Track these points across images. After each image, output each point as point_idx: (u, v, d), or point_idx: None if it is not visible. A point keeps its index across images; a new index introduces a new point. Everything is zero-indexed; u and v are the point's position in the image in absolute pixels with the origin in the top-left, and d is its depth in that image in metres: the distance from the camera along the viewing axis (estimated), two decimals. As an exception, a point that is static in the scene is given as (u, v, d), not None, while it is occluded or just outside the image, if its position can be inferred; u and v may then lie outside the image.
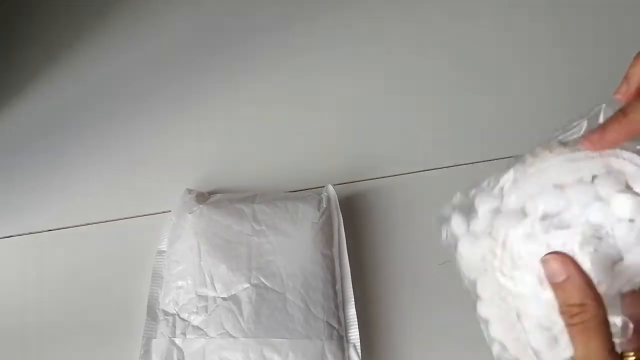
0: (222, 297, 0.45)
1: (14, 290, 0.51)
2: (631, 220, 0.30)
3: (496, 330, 0.33)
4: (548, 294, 0.30)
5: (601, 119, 0.32)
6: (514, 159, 0.33)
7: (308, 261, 0.47)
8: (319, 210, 0.49)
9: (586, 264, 0.29)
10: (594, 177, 0.31)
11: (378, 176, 0.55)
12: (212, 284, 0.46)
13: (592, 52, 0.61)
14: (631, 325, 0.29)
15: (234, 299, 0.45)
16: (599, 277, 0.29)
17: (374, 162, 0.56)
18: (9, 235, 0.53)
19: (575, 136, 0.33)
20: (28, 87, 0.61)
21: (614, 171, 0.31)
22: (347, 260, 0.48)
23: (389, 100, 0.60)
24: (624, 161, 0.30)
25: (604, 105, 0.33)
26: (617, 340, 0.28)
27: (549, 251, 0.30)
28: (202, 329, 0.44)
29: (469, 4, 0.65)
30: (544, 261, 0.29)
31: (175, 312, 0.46)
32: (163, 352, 0.44)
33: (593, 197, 0.30)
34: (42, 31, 0.65)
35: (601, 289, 0.29)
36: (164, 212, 0.53)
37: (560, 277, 0.29)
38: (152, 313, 0.47)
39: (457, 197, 0.34)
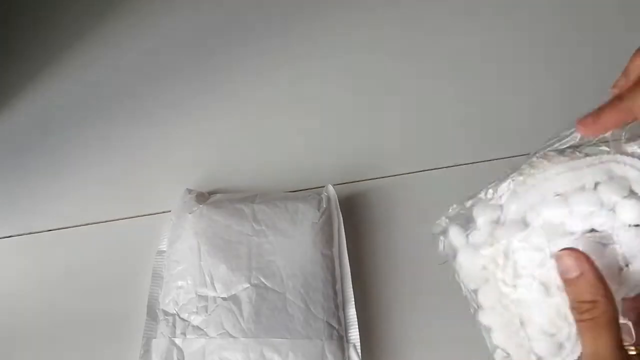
0: (222, 297, 0.45)
1: (14, 290, 0.51)
2: (637, 226, 0.29)
3: (499, 338, 0.33)
4: (552, 301, 0.30)
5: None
6: (510, 169, 0.33)
7: (308, 261, 0.47)
8: (319, 210, 0.49)
9: None
10: (596, 184, 0.31)
11: (378, 176, 0.55)
12: (212, 284, 0.46)
13: (592, 52, 0.61)
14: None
15: (234, 299, 0.45)
16: None
17: (374, 162, 0.56)
18: (9, 235, 0.53)
19: (571, 144, 0.33)
20: (28, 87, 0.61)
21: (617, 177, 0.31)
22: (347, 260, 0.48)
23: (389, 100, 0.60)
24: (625, 166, 0.30)
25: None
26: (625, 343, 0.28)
27: (553, 260, 0.30)
28: (202, 329, 0.44)
29: (469, 5, 0.65)
30: (557, 257, 0.29)
31: (175, 312, 0.46)
32: (163, 352, 0.44)
33: (597, 204, 0.30)
34: (43, 31, 0.65)
35: None
36: (164, 212, 0.53)
37: (574, 273, 0.29)
38: (152, 313, 0.47)
39: (453, 208, 0.34)
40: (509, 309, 0.31)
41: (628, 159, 0.31)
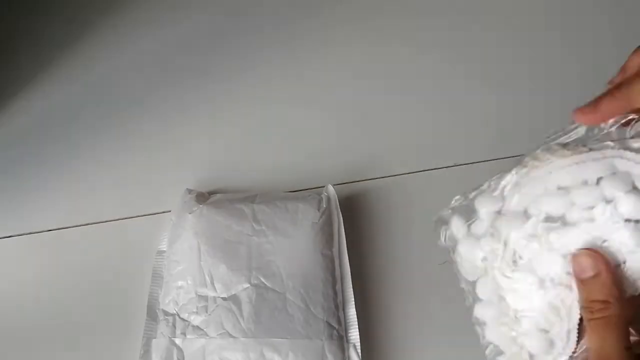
0: (222, 297, 0.45)
1: (14, 290, 0.51)
2: (637, 222, 0.29)
3: (492, 333, 0.33)
4: (546, 295, 0.30)
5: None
6: (516, 160, 0.33)
7: (308, 261, 0.47)
8: (319, 210, 0.49)
9: None
10: (599, 179, 0.30)
11: (378, 176, 0.55)
12: (212, 284, 0.46)
13: (593, 52, 0.61)
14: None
15: (234, 299, 0.45)
16: None
17: (374, 162, 0.56)
18: (9, 235, 0.53)
19: (575, 138, 0.33)
20: (28, 87, 0.61)
21: (620, 172, 0.30)
22: (347, 260, 0.48)
23: (389, 100, 0.60)
24: (629, 162, 0.30)
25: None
26: None
27: (551, 253, 0.30)
28: (202, 329, 0.44)
29: (470, 4, 0.65)
30: (574, 256, 0.29)
31: (175, 312, 0.46)
32: (163, 352, 0.44)
33: (599, 199, 0.30)
34: (43, 31, 0.65)
35: None
36: (164, 212, 0.53)
37: (589, 274, 0.29)
38: (152, 313, 0.47)
39: (456, 200, 0.35)
40: (505, 302, 0.31)
41: (632, 155, 0.30)
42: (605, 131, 0.32)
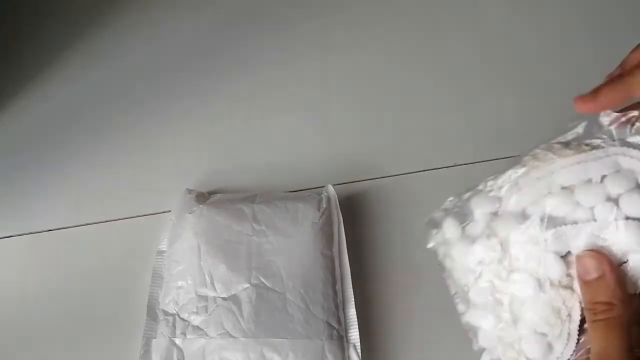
0: (222, 297, 0.45)
1: (14, 290, 0.51)
2: (639, 219, 0.29)
3: (486, 339, 0.32)
4: (545, 297, 0.30)
5: (601, 119, 0.32)
6: (512, 160, 0.33)
7: (308, 261, 0.47)
8: (319, 210, 0.49)
9: None
10: (603, 178, 0.30)
11: (378, 176, 0.55)
12: (212, 284, 0.46)
13: (592, 52, 0.61)
14: None
15: (234, 299, 0.45)
16: None
17: (374, 162, 0.56)
18: (9, 235, 0.53)
19: (574, 136, 0.33)
20: (28, 87, 0.61)
21: (623, 170, 0.30)
22: (347, 260, 0.48)
23: (389, 100, 0.60)
24: (632, 159, 0.30)
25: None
26: None
27: (552, 254, 0.30)
28: (202, 329, 0.44)
29: (468, 6, 0.65)
30: (578, 257, 0.29)
31: (175, 312, 0.46)
32: (163, 352, 0.44)
33: (602, 198, 0.30)
34: (44, 33, 0.65)
35: None
36: (164, 212, 0.53)
37: (593, 275, 0.29)
38: (152, 313, 0.47)
39: (450, 201, 0.34)
40: (501, 306, 0.31)
41: (635, 152, 0.30)
42: (605, 128, 0.32)
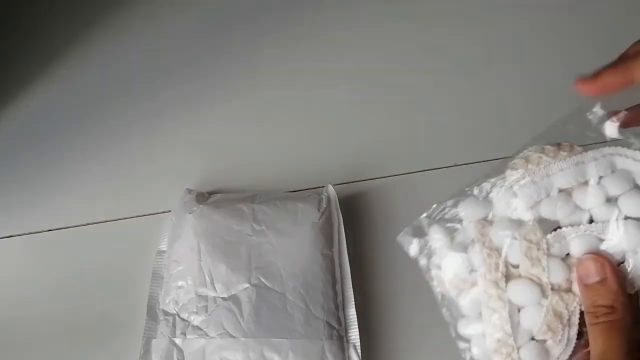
0: (222, 297, 0.45)
1: (14, 290, 0.51)
2: (637, 219, 0.29)
3: (480, 350, 0.31)
4: (548, 303, 0.29)
5: (592, 114, 0.32)
6: (497, 164, 0.32)
7: (308, 261, 0.47)
8: (319, 210, 0.49)
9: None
10: (600, 178, 0.30)
11: (378, 176, 0.55)
12: (212, 284, 0.46)
13: (592, 52, 0.60)
14: None
15: (234, 299, 0.45)
16: None
17: (374, 162, 0.56)
18: (9, 235, 0.53)
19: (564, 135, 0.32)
20: (28, 87, 0.61)
21: (619, 170, 0.30)
22: (347, 260, 0.48)
23: (389, 100, 0.60)
24: (627, 159, 0.30)
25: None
26: None
27: (551, 258, 0.30)
28: (202, 329, 0.44)
29: (467, 6, 0.65)
30: (579, 260, 0.29)
31: (175, 312, 0.46)
32: (163, 352, 0.44)
33: (600, 199, 0.30)
34: (43, 31, 0.65)
35: None
36: (164, 212, 0.53)
37: (595, 279, 0.28)
38: (152, 313, 0.47)
39: (433, 209, 0.33)
40: (497, 315, 0.30)
41: (630, 151, 0.30)
42: (594, 124, 0.32)
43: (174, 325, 0.45)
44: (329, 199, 0.51)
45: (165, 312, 0.46)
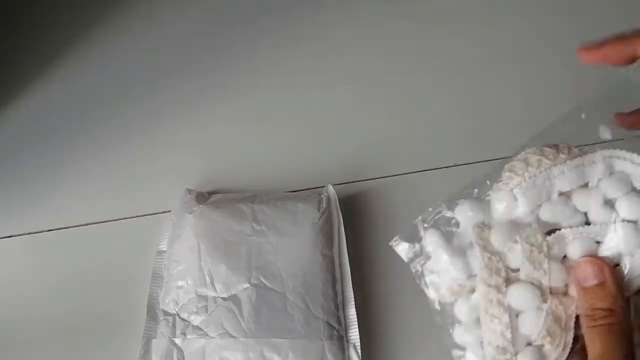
0: (222, 297, 0.45)
1: (13, 290, 0.51)
2: (636, 222, 0.29)
3: (478, 359, 0.31)
4: (548, 307, 0.29)
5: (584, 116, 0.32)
6: (500, 163, 0.32)
7: (308, 261, 0.47)
8: (319, 210, 0.49)
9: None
10: (598, 181, 0.30)
11: (378, 176, 0.55)
12: (212, 284, 0.46)
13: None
14: None
15: (234, 299, 0.45)
16: None
17: (374, 162, 0.56)
18: (9, 235, 0.53)
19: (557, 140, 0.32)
20: (28, 86, 0.61)
21: (618, 172, 0.30)
22: (347, 260, 0.48)
23: (389, 100, 0.60)
24: (625, 162, 0.30)
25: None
26: None
27: (552, 261, 0.29)
28: (202, 329, 0.44)
29: (467, 6, 0.65)
30: (578, 263, 0.29)
31: (175, 312, 0.46)
32: (163, 352, 0.44)
33: (598, 201, 0.30)
34: (42, 30, 0.65)
35: None
36: (164, 212, 0.53)
37: (593, 282, 0.28)
38: (152, 313, 0.47)
39: (428, 212, 0.32)
40: (497, 321, 0.29)
41: (628, 154, 0.30)
42: (590, 126, 0.32)
43: (174, 325, 0.45)
44: (329, 199, 0.51)
45: (165, 312, 0.46)
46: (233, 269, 0.46)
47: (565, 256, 0.30)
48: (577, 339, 0.29)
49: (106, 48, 0.64)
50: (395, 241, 0.33)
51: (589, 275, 0.29)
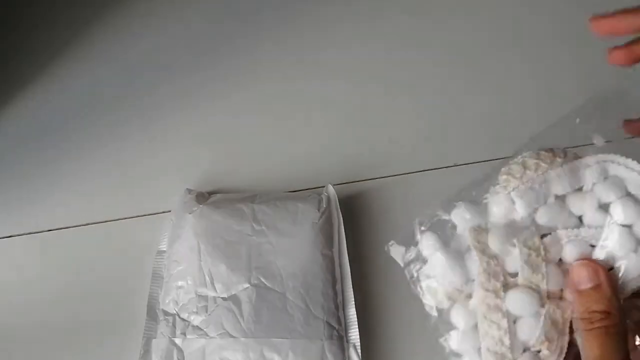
0: (222, 297, 0.45)
1: (14, 290, 0.51)
2: (630, 226, 0.29)
3: None
4: (545, 311, 0.29)
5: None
6: (500, 163, 0.32)
7: (308, 261, 0.47)
8: (319, 210, 0.49)
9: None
10: (593, 185, 0.30)
11: (378, 176, 0.55)
12: (212, 284, 0.46)
13: (591, 52, 0.61)
14: None
15: (234, 299, 0.45)
16: None
17: (374, 162, 0.56)
18: (9, 235, 0.53)
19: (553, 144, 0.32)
20: (28, 86, 0.61)
21: (612, 177, 0.30)
22: (347, 260, 0.48)
23: (389, 100, 0.60)
24: (619, 166, 0.30)
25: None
26: None
27: (549, 265, 0.29)
28: (202, 329, 0.44)
29: (471, 6, 0.65)
30: (573, 266, 0.29)
31: (175, 312, 0.46)
32: (163, 352, 0.44)
33: (593, 205, 0.30)
34: (42, 30, 0.65)
35: None
36: (164, 212, 0.53)
37: (588, 284, 0.28)
38: (152, 313, 0.47)
39: (424, 215, 0.32)
40: (497, 326, 0.29)
41: (622, 159, 0.30)
42: (585, 129, 0.32)
43: (174, 325, 0.45)
44: (329, 199, 0.51)
45: (165, 312, 0.46)
46: (233, 269, 0.46)
47: (560, 259, 0.30)
48: (571, 342, 0.29)
49: (106, 47, 0.64)
50: (390, 245, 0.32)
51: (584, 278, 0.29)
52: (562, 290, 0.30)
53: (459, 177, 0.54)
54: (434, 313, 0.31)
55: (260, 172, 0.56)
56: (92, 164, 0.57)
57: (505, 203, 0.31)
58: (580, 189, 0.31)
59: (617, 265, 0.29)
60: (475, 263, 0.30)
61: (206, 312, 0.45)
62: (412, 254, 0.32)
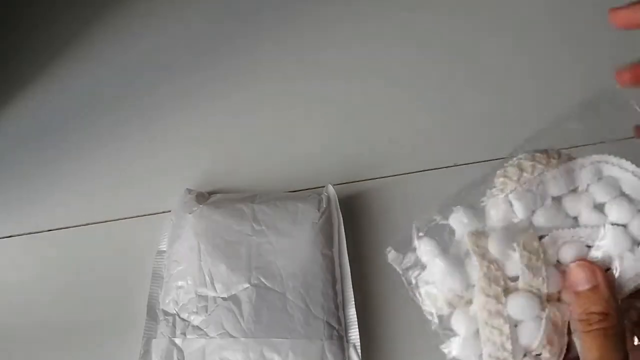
0: (222, 297, 0.45)
1: (13, 290, 0.51)
2: (624, 226, 0.29)
3: None
4: (546, 314, 0.29)
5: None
6: (500, 163, 0.32)
7: (308, 261, 0.47)
8: (319, 210, 0.49)
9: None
10: (588, 186, 0.31)
11: (378, 176, 0.55)
12: (212, 284, 0.46)
13: (592, 52, 0.61)
14: None
15: (234, 299, 0.45)
16: None
17: (374, 162, 0.56)
18: (9, 235, 0.53)
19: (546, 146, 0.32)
20: (28, 86, 0.61)
21: (606, 177, 0.31)
22: (347, 260, 0.48)
23: (389, 101, 0.60)
24: (613, 167, 0.30)
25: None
26: None
27: (549, 269, 0.29)
28: (202, 329, 0.44)
29: (469, 4, 0.65)
30: (571, 268, 0.29)
31: (175, 312, 0.46)
32: (163, 352, 0.44)
33: (588, 206, 0.30)
34: (42, 30, 0.65)
35: None
36: (164, 212, 0.53)
37: (585, 286, 0.28)
38: (152, 313, 0.47)
39: (421, 220, 0.31)
40: (499, 332, 0.28)
41: (616, 159, 0.31)
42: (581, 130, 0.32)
43: (174, 325, 0.45)
44: (329, 199, 0.51)
45: (165, 312, 0.46)
46: (233, 269, 0.46)
47: (558, 260, 0.30)
48: (569, 343, 0.29)
49: (106, 47, 0.64)
50: (388, 252, 0.32)
51: (582, 279, 0.29)
52: (559, 291, 0.30)
53: (459, 177, 0.54)
54: (434, 320, 0.31)
55: (260, 172, 0.56)
56: (92, 164, 0.57)
57: (503, 206, 0.30)
58: (575, 190, 0.31)
59: (613, 265, 0.29)
60: (475, 268, 0.30)
61: (206, 312, 0.45)
62: (410, 260, 0.31)
